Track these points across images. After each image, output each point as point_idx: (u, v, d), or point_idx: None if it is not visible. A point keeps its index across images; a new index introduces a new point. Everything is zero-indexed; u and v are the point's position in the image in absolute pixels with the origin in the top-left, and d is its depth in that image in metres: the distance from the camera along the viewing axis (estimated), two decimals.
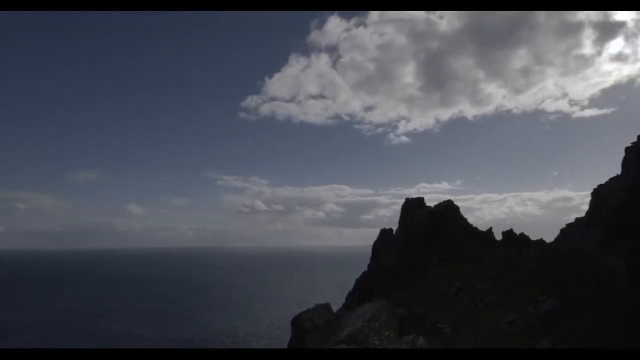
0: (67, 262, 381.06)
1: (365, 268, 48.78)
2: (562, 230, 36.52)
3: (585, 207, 32.84)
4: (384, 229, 50.37)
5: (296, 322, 24.40)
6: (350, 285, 47.86)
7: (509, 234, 41.24)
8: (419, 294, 33.58)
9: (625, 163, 27.49)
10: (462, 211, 45.14)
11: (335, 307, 37.24)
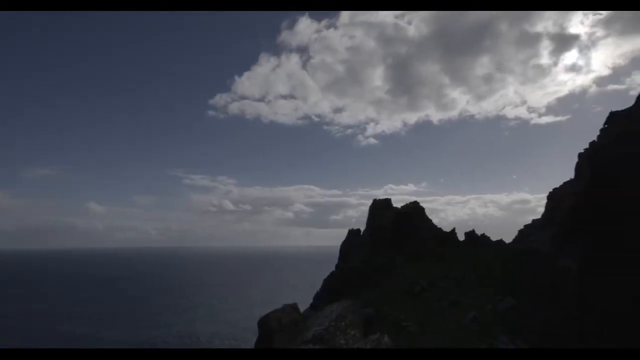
0: (23, 263, 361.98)
1: (333, 268, 49.19)
2: (520, 232, 38.35)
3: (542, 210, 34.71)
4: (352, 229, 51.03)
5: (263, 322, 24.37)
6: (318, 285, 48.13)
7: (471, 235, 42.86)
8: (385, 293, 34.25)
9: (578, 168, 29.11)
10: (427, 212, 46.48)
11: (303, 307, 37.39)
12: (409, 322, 28.46)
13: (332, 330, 18.69)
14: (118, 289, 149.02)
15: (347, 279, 41.37)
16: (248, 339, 61.51)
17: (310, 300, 45.86)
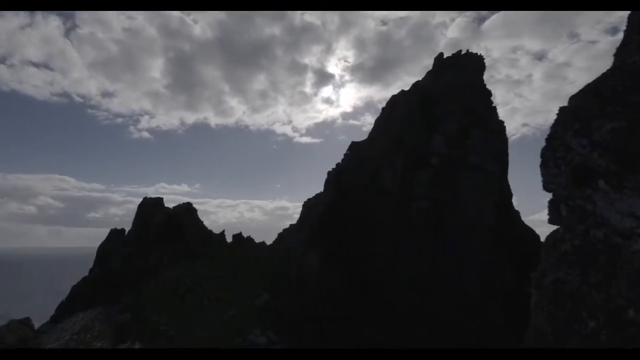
0: None
1: (87, 273, 43.52)
2: (279, 234, 43.43)
3: (297, 216, 40.33)
4: (115, 229, 46.68)
5: None
6: (67, 293, 41.59)
7: (238, 237, 45.58)
8: (147, 296, 32.68)
9: (326, 183, 35.26)
10: (199, 214, 46.96)
11: (43, 321, 31.72)
12: (169, 325, 28.03)
13: (72, 345, 16.59)
14: None
15: (104, 284, 37.30)
16: None
17: (53, 313, 39.14)
